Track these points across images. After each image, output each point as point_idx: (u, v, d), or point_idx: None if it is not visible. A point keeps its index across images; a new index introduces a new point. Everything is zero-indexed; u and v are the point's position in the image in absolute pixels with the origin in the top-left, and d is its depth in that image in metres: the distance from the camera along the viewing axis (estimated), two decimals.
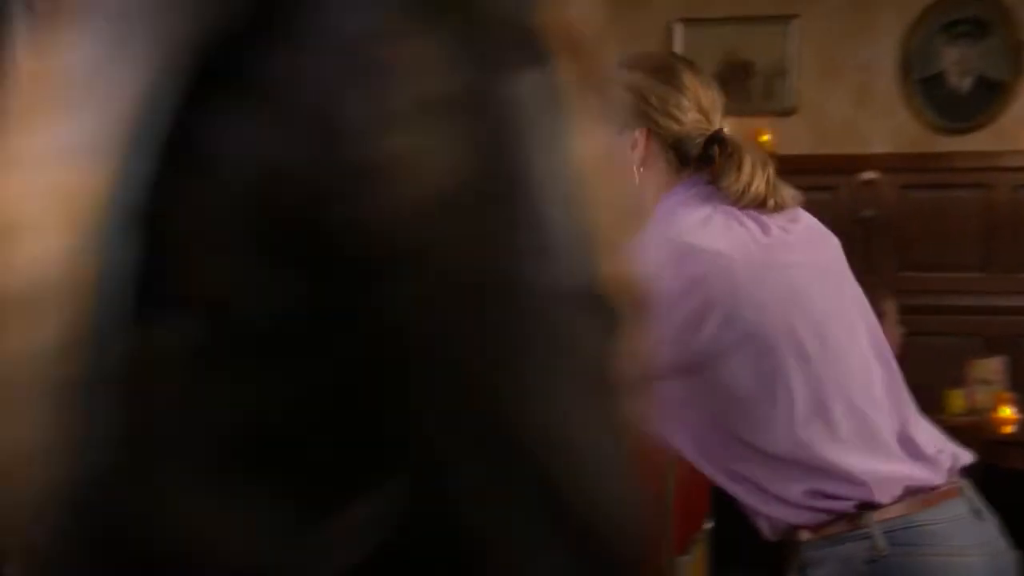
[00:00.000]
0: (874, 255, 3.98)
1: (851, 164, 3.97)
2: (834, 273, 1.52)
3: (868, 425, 1.42)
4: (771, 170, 1.50)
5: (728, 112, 4.42)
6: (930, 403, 3.94)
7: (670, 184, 1.52)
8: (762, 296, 1.40)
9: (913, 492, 1.40)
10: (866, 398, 1.43)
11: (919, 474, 1.42)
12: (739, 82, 4.04)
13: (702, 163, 1.51)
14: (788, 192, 1.51)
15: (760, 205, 1.48)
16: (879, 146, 4.00)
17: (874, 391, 1.45)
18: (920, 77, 3.91)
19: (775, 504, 1.44)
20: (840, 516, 1.40)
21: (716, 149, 1.51)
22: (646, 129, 1.51)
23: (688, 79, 1.52)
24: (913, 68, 3.91)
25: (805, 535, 1.43)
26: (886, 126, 4.00)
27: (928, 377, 3.95)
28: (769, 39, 4.01)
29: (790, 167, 3.97)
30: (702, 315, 1.39)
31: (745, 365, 1.40)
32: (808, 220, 1.56)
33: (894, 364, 1.50)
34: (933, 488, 1.41)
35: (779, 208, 1.49)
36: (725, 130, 1.53)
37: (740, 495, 1.47)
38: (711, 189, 1.49)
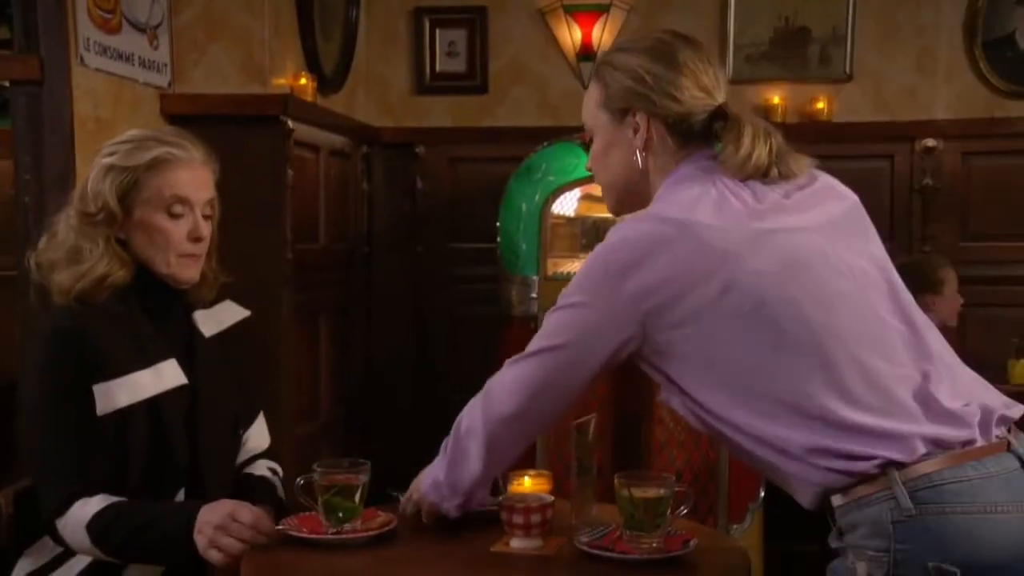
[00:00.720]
0: (934, 225, 3.85)
1: (910, 131, 3.84)
2: (843, 232, 1.48)
3: (881, 385, 1.37)
4: (775, 140, 1.49)
5: (784, 80, 4.34)
6: (993, 373, 3.79)
7: (675, 163, 1.52)
8: (757, 264, 1.38)
9: (942, 449, 1.34)
10: (879, 358, 1.38)
11: (942, 432, 1.35)
12: (795, 49, 3.94)
13: (706, 140, 1.52)
14: (799, 161, 1.50)
15: (763, 175, 1.47)
16: (941, 112, 3.87)
17: (889, 350, 1.40)
18: (987, 40, 3.78)
19: (783, 459, 1.40)
20: (864, 478, 1.35)
21: (720, 124, 1.50)
22: (645, 112, 1.52)
23: (686, 57, 1.52)
24: (979, 30, 3.79)
25: (837, 500, 1.39)
26: (949, 92, 3.86)
27: (991, 347, 3.80)
28: (826, 4, 3.91)
29: (847, 135, 3.89)
30: (694, 282, 1.38)
31: (746, 334, 1.38)
32: (823, 181, 1.53)
33: (919, 319, 1.46)
34: (965, 443, 1.35)
35: (785, 177, 1.48)
36: (727, 104, 1.53)
37: (750, 450, 1.44)
38: (713, 164, 1.49)
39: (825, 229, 1.46)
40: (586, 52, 3.98)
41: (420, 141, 4.05)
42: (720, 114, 1.52)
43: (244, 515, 1.61)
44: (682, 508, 1.62)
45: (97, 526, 1.63)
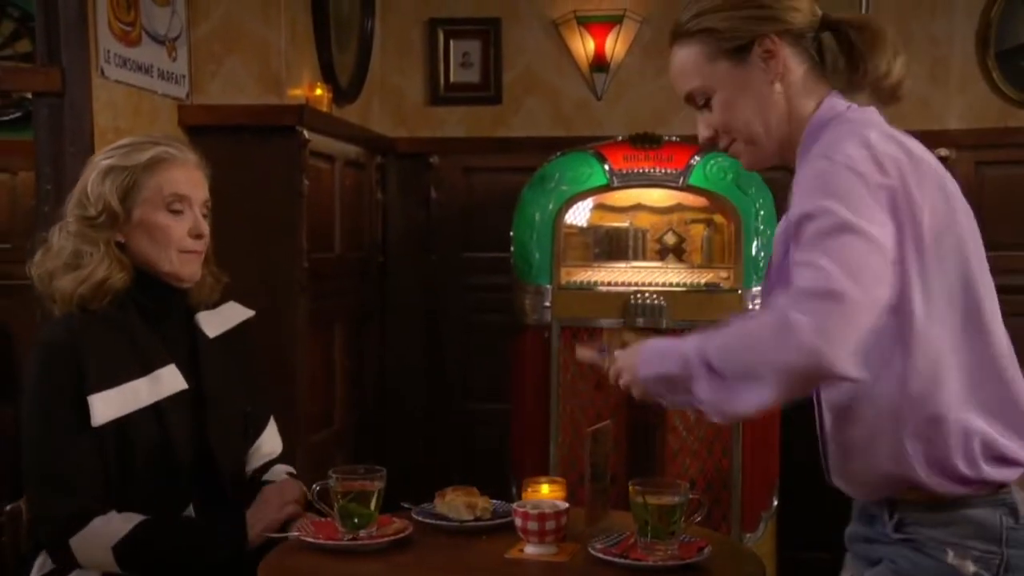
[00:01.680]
0: None
1: (923, 141, 3.83)
2: None
3: (1014, 388, 1.35)
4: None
5: None
6: None
7: (815, 87, 1.41)
8: (965, 233, 1.34)
9: None
10: (1013, 367, 1.36)
11: None
12: None
13: (828, 54, 1.41)
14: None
15: (896, 90, 1.41)
16: (954, 123, 3.87)
17: (1011, 360, 1.37)
18: (1000, 50, 3.78)
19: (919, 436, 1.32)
20: (984, 481, 1.33)
21: (833, 36, 1.41)
22: (774, 32, 1.40)
23: None
24: (992, 40, 3.79)
25: (920, 495, 1.34)
26: (962, 102, 3.87)
27: None
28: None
29: None
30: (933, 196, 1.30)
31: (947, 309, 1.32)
32: None
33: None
34: None
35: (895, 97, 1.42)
36: (833, 14, 1.44)
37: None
38: (868, 111, 1.39)
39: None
40: (599, 63, 4.00)
41: (434, 151, 4.07)
42: (830, 23, 1.42)
43: (274, 501, 1.74)
44: (696, 516, 1.63)
45: (128, 548, 1.63)
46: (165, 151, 1.76)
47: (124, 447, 1.67)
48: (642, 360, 1.36)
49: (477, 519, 1.75)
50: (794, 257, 1.26)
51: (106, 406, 1.66)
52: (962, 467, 1.31)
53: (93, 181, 1.74)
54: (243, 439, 1.90)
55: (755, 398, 1.24)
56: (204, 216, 1.80)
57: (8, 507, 1.75)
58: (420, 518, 1.76)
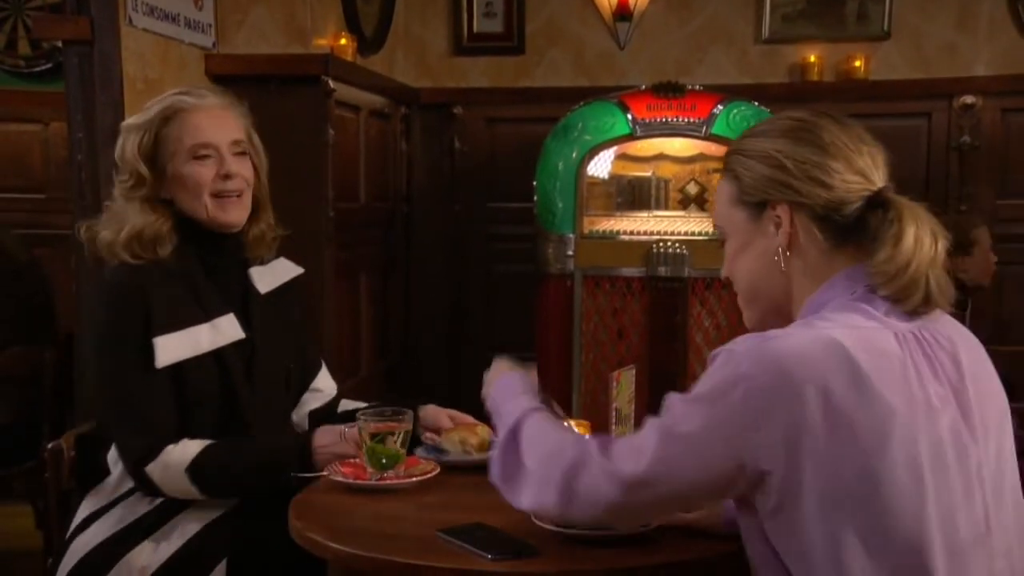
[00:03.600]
0: (972, 183, 3.83)
1: (948, 88, 3.82)
2: (993, 425, 1.23)
3: None
4: (940, 245, 1.24)
5: (821, 39, 4.30)
6: None
7: (825, 270, 1.27)
8: (901, 472, 1.14)
9: None
10: None
11: None
12: (833, 7, 3.92)
13: (865, 235, 1.25)
14: (949, 289, 1.25)
15: (907, 293, 1.21)
16: (981, 70, 3.83)
17: None
18: None
19: None
20: None
21: (877, 214, 1.25)
22: (788, 202, 1.27)
23: (834, 136, 1.27)
24: None
25: None
26: (990, 49, 3.83)
27: None
28: None
29: (884, 93, 3.85)
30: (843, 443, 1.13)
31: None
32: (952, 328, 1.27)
33: None
34: None
35: (928, 305, 1.23)
36: (887, 189, 1.27)
37: None
38: (873, 295, 1.23)
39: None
40: (622, 12, 3.97)
41: (458, 101, 4.08)
42: (879, 201, 1.26)
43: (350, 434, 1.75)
44: None
45: (198, 469, 1.68)
46: (179, 100, 1.76)
47: (183, 390, 1.72)
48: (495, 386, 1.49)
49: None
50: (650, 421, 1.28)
51: (170, 349, 1.70)
52: None
53: (119, 146, 1.78)
54: (283, 393, 1.94)
55: (532, 493, 1.29)
56: (241, 155, 1.80)
57: (50, 445, 1.82)
58: (424, 455, 1.81)
